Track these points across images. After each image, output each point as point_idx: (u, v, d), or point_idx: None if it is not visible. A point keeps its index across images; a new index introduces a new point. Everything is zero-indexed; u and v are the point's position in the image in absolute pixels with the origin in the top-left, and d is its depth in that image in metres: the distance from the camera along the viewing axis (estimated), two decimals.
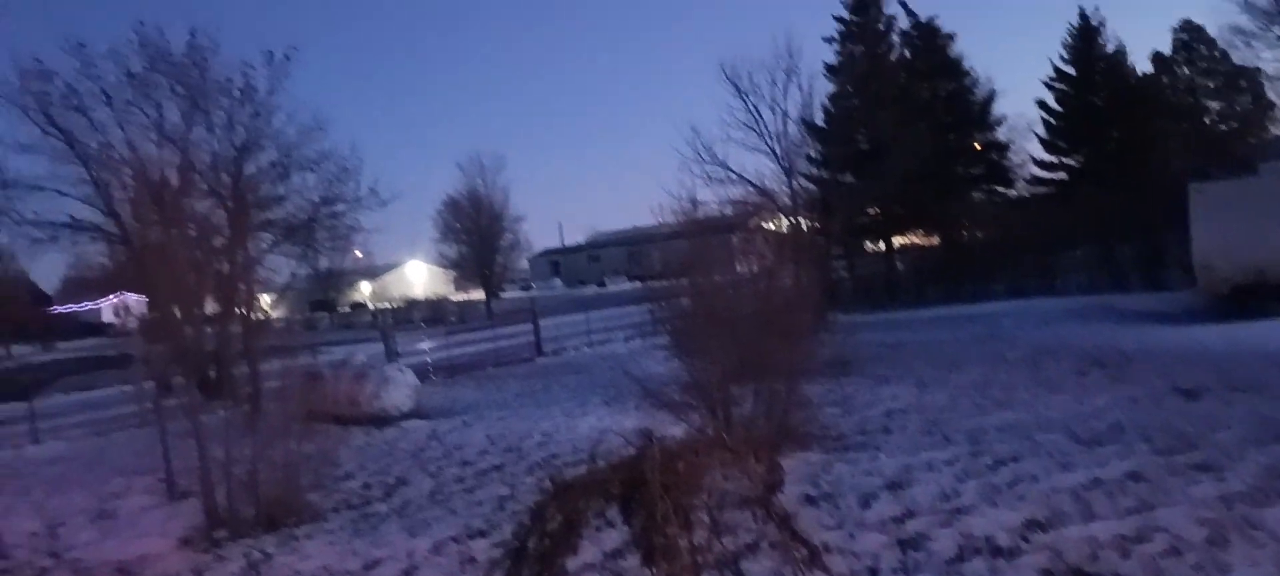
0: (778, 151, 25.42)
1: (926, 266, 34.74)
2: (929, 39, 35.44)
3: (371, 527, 8.15)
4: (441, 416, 14.95)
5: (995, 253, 31.52)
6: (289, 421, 8.86)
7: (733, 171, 25.31)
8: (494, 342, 24.95)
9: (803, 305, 10.33)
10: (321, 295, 55.94)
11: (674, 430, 8.38)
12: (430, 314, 50.75)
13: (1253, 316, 16.01)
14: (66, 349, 43.57)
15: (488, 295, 53.09)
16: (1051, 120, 36.22)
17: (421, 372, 19.14)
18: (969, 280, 29.81)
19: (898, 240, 35.95)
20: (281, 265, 19.79)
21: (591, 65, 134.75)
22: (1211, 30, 36.13)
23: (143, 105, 16.54)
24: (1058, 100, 36.02)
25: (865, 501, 7.08)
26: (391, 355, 22.01)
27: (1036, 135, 36.49)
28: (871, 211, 33.36)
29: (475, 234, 53.92)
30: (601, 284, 65.64)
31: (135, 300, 17.85)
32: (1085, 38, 35.56)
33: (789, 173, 25.44)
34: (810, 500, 7.23)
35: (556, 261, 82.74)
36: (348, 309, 63.26)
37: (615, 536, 6.21)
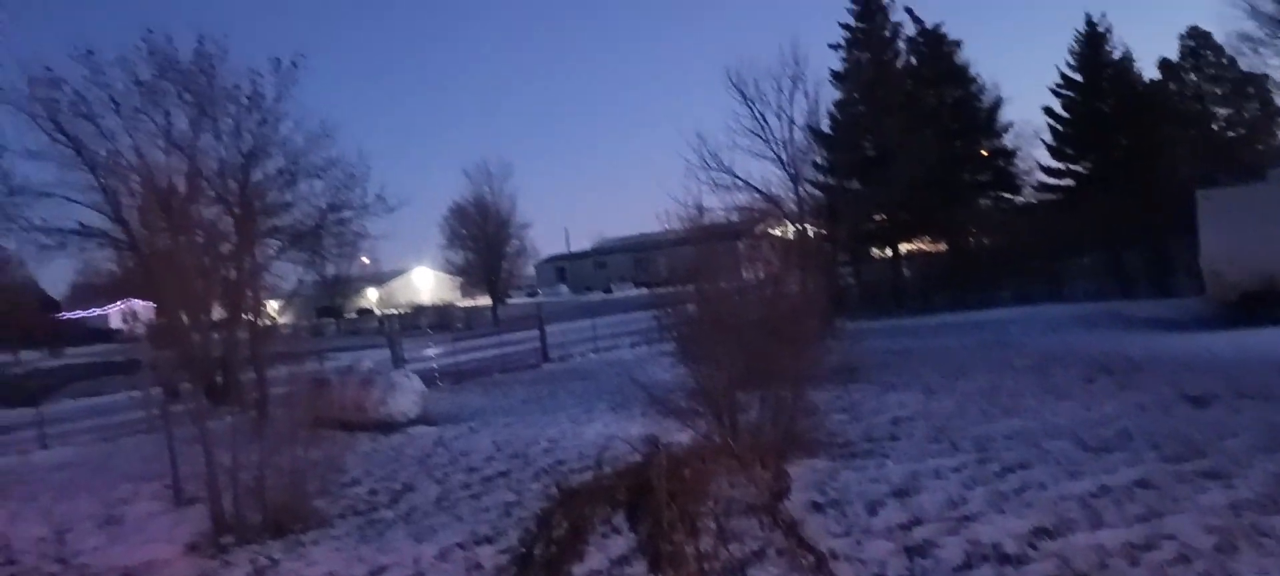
0: (784, 158, 25.36)
1: (933, 273, 34.68)
2: (935, 46, 35.44)
3: (378, 534, 8.15)
4: (448, 422, 14.96)
5: (1002, 259, 31.47)
6: (295, 427, 8.88)
7: (739, 178, 25.25)
8: (500, 349, 24.96)
9: (809, 311, 10.34)
10: (328, 301, 56.01)
11: (680, 437, 8.39)
12: (437, 320, 50.78)
13: (1261, 323, 15.93)
14: (74, 354, 43.63)
15: (494, 301, 53.12)
16: (1058, 127, 36.12)
17: (428, 379, 19.15)
18: (976, 287, 29.76)
19: (904, 247, 35.89)
20: (288, 271, 19.82)
21: (598, 72, 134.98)
22: (1219, 37, 36.06)
23: (151, 112, 16.58)
24: (1064, 107, 35.94)
25: (872, 508, 7.05)
26: (398, 361, 22.05)
27: (1043, 142, 36.45)
28: (878, 218, 33.32)
29: (482, 240, 54.00)
30: (608, 290, 65.61)
31: (143, 306, 17.92)
32: (1092, 44, 35.49)
33: (795, 179, 25.38)
34: (817, 507, 7.20)
35: (563, 268, 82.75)
36: (354, 315, 63.32)
37: (622, 543, 6.19)
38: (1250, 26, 32.12)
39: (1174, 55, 37.69)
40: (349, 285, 56.26)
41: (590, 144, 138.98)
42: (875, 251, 36.12)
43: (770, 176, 25.63)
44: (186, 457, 9.66)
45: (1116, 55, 35.51)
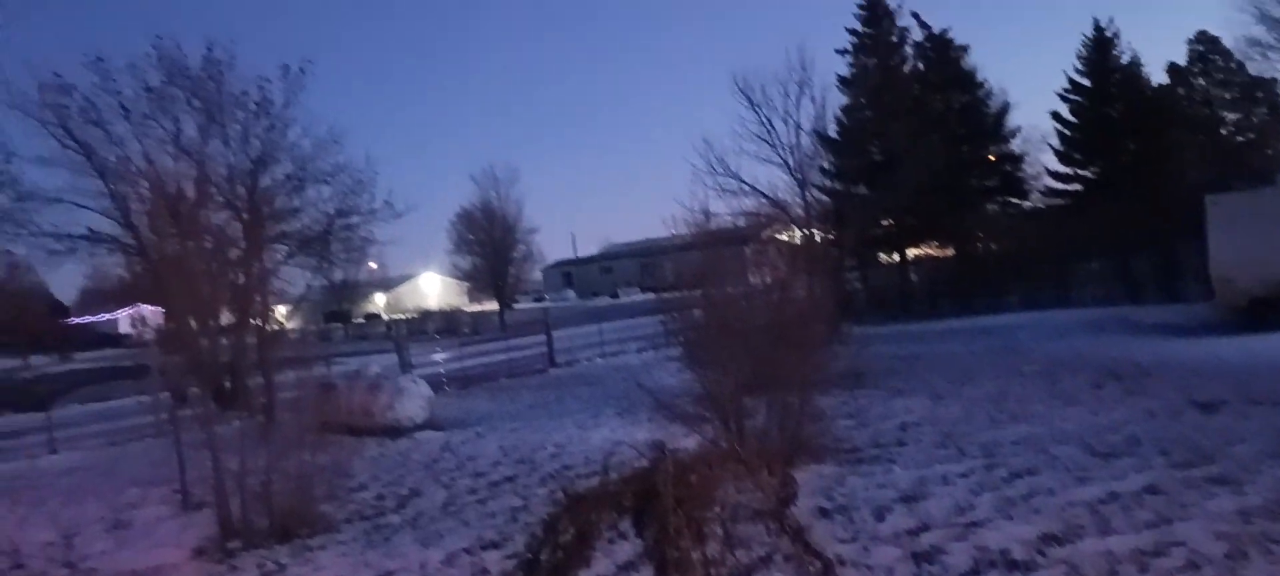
0: (790, 163, 25.35)
1: (940, 278, 34.59)
2: (942, 51, 35.40)
3: (384, 539, 8.16)
4: (455, 427, 14.97)
5: (1010, 264, 31.38)
6: (303, 432, 8.90)
7: (745, 183, 25.26)
8: (507, 354, 24.97)
9: (816, 317, 10.33)
10: (336, 306, 56.19)
11: (687, 442, 8.38)
12: (444, 325, 50.88)
13: (1271, 329, 15.84)
14: (83, 359, 43.84)
15: (501, 306, 53.21)
16: (1066, 132, 36.02)
17: (435, 384, 19.17)
18: (983, 292, 29.67)
19: (912, 252, 35.81)
20: (296, 277, 19.86)
21: (605, 77, 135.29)
22: (1227, 41, 35.95)
23: (160, 118, 16.68)
24: (1072, 112, 35.84)
25: (879, 514, 7.03)
26: (405, 366, 22.08)
27: (1051, 147, 36.34)
28: (885, 223, 33.27)
29: (489, 245, 54.12)
30: (614, 295, 65.59)
31: (151, 311, 17.98)
32: (1100, 49, 35.40)
33: (802, 184, 25.36)
34: (824, 513, 7.19)
35: (569, 273, 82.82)
36: (362, 320, 63.51)
37: (628, 549, 6.19)
38: (1259, 31, 32.03)
39: (1182, 60, 37.66)
40: (356, 290, 56.37)
41: (597, 149, 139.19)
42: (882, 256, 36.06)
43: (777, 181, 25.64)
44: (194, 462, 9.69)
45: (1125, 60, 35.43)
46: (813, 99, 25.77)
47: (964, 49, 35.35)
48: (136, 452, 15.59)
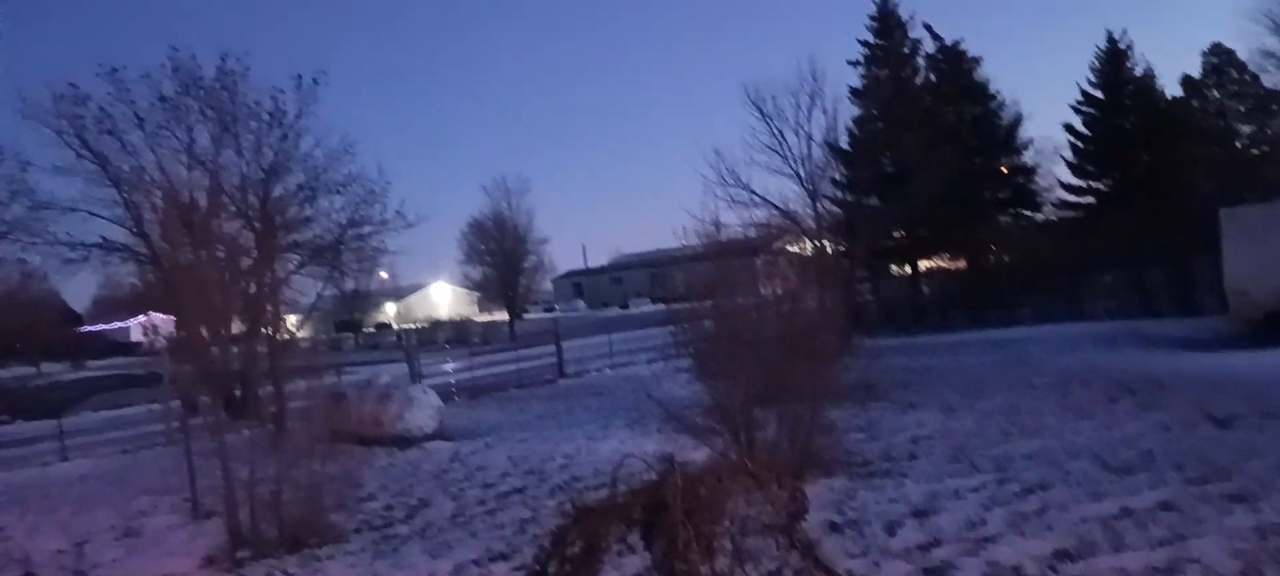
0: (802, 174, 25.29)
1: (952, 290, 34.43)
2: (954, 63, 35.33)
3: (393, 549, 8.15)
4: (464, 438, 14.98)
5: (1022, 277, 31.20)
6: (313, 441, 8.91)
7: (756, 194, 25.18)
8: (517, 364, 25.00)
9: (827, 328, 10.29)
10: (347, 315, 56.44)
11: (696, 454, 8.35)
12: (454, 335, 50.98)
13: None
14: (96, 367, 44.09)
15: (511, 316, 53.26)
16: (1079, 144, 35.89)
17: (445, 394, 19.20)
18: (995, 304, 29.53)
19: (923, 264, 35.70)
20: (308, 286, 19.94)
21: (616, 88, 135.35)
22: (1242, 54, 35.80)
23: (174, 129, 16.79)
24: (1086, 124, 35.72)
25: (890, 529, 6.99)
26: (415, 376, 22.12)
27: (1064, 159, 36.22)
28: (897, 235, 33.16)
29: (499, 255, 54.23)
30: (624, 306, 65.69)
31: (163, 320, 18.03)
32: (1113, 61, 35.27)
33: (813, 195, 25.29)
34: (834, 527, 7.15)
35: (580, 283, 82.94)
36: (373, 329, 63.71)
37: (636, 562, 6.16)
38: (1273, 43, 31.97)
39: (1196, 72, 37.50)
40: (367, 300, 56.69)
41: (608, 160, 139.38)
42: (894, 268, 35.97)
43: (788, 193, 25.53)
44: (204, 471, 9.72)
45: (1138, 72, 35.29)
46: (824, 110, 25.73)
47: (976, 61, 35.31)
48: (147, 461, 15.64)
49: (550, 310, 68.42)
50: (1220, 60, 37.03)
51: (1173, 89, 36.85)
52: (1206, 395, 11.81)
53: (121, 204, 17.12)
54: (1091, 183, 35.86)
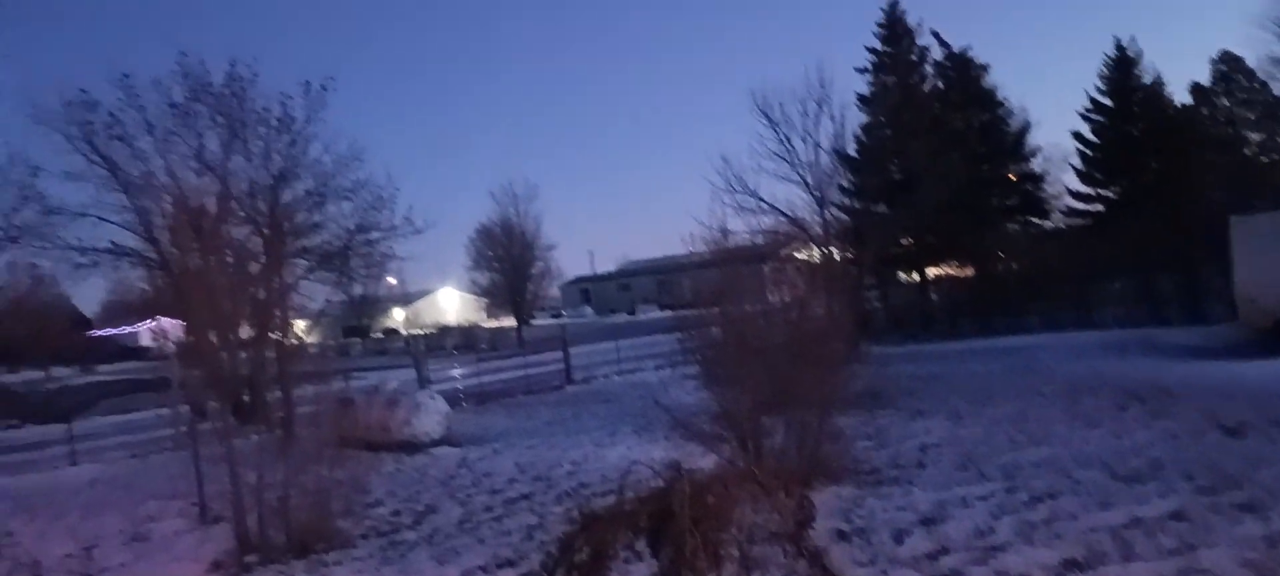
0: (809, 181, 25.30)
1: (961, 298, 34.34)
2: (962, 70, 35.29)
3: (400, 555, 8.16)
4: (471, 444, 14.98)
5: (1031, 285, 31.11)
6: (321, 447, 8.93)
7: (764, 201, 25.22)
8: (525, 370, 24.99)
9: (835, 336, 10.25)
10: (355, 321, 56.48)
11: (704, 462, 8.34)
12: (462, 341, 51.03)
13: None
14: (105, 372, 44.23)
15: (519, 322, 53.29)
16: (1088, 151, 35.77)
17: (452, 399, 19.22)
18: (1004, 312, 29.44)
19: (932, 271, 35.62)
20: (316, 291, 19.97)
21: (624, 95, 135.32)
22: (1251, 61, 35.61)
23: (183, 134, 16.86)
24: (1094, 131, 35.60)
25: (898, 537, 6.97)
26: (423, 382, 22.15)
27: (1072, 166, 36.06)
28: (905, 242, 33.12)
29: (507, 262, 54.30)
30: (632, 312, 65.60)
31: (172, 324, 18.09)
32: (1122, 69, 35.16)
33: (821, 202, 25.29)
34: (842, 535, 7.13)
35: (587, 289, 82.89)
36: (380, 335, 63.76)
37: (643, 569, 6.15)
38: None
39: (1205, 80, 37.35)
40: (376, 305, 56.69)
41: (616, 166, 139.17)
42: (902, 275, 35.90)
43: (796, 200, 25.57)
44: (213, 476, 9.73)
45: (1147, 80, 35.16)
46: (832, 117, 25.74)
47: (984, 68, 35.25)
48: (156, 465, 15.69)
49: (558, 316, 68.40)
50: (1229, 67, 36.91)
51: (1182, 96, 36.74)
52: (1216, 403, 11.75)
53: (131, 209, 17.24)
54: (1100, 190, 35.73)
